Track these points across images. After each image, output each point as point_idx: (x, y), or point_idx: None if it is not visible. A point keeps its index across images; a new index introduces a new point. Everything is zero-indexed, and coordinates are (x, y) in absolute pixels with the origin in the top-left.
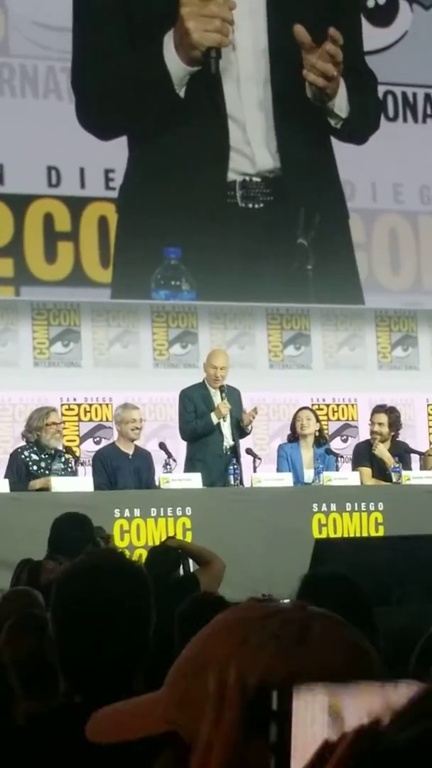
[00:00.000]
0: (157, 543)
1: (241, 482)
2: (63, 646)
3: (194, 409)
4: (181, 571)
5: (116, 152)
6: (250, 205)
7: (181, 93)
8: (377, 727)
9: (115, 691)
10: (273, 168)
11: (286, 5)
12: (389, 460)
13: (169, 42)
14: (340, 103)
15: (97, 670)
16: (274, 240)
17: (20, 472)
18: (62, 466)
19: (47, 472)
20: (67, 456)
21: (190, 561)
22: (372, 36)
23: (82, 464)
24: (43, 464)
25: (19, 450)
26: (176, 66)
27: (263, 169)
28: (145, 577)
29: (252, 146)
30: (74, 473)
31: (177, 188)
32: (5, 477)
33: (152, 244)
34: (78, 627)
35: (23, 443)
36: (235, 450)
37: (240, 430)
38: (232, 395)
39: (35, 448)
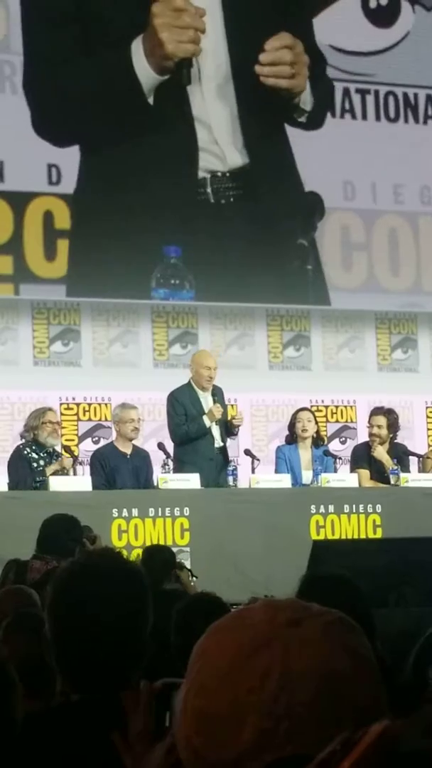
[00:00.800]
0: (155, 543)
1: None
2: (60, 645)
3: (184, 412)
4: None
5: (80, 158)
6: (223, 201)
7: (150, 100)
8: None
9: (112, 690)
10: (243, 164)
11: (240, 6)
12: (388, 462)
13: (138, 49)
14: (305, 97)
15: (94, 670)
16: (264, 238)
17: (24, 468)
18: (59, 467)
19: (47, 469)
20: (65, 455)
21: (188, 565)
22: (373, 37)
23: (80, 464)
24: (42, 462)
25: (21, 446)
26: (146, 74)
27: (234, 167)
28: (143, 577)
29: (220, 146)
30: (67, 473)
31: (159, 190)
32: (8, 474)
33: (149, 244)
34: (75, 626)
35: (22, 442)
36: (224, 451)
37: (228, 430)
38: (218, 395)
39: (34, 447)
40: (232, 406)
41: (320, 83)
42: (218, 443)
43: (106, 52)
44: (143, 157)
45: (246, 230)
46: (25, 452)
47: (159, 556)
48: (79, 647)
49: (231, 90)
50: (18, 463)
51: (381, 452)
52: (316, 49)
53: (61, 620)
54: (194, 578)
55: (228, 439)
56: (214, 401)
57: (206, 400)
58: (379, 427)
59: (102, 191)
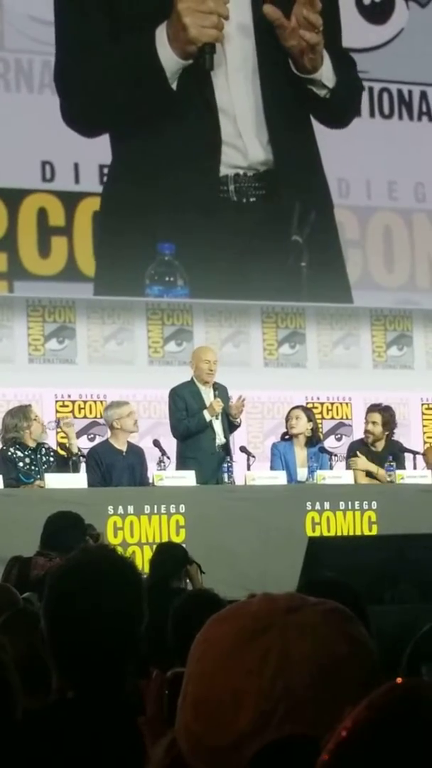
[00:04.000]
0: (151, 540)
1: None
2: (55, 642)
3: (185, 407)
4: (188, 582)
5: (111, 147)
6: (243, 200)
7: (174, 86)
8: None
9: (107, 687)
10: (265, 160)
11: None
12: (373, 467)
13: (161, 36)
14: (327, 72)
15: (89, 666)
16: (269, 236)
17: (10, 469)
18: (46, 459)
19: (33, 467)
20: (60, 453)
21: (199, 569)
22: (368, 33)
23: (75, 460)
24: (27, 460)
25: (4, 448)
26: (170, 60)
27: (255, 161)
28: (137, 574)
29: (243, 139)
30: (57, 466)
31: (168, 183)
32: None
33: (146, 241)
34: (70, 623)
35: (2, 444)
36: (226, 447)
37: (231, 425)
38: (222, 392)
39: (18, 446)
40: (240, 399)
41: (350, 81)
42: (220, 439)
43: (131, 39)
44: (155, 147)
45: (251, 228)
46: (9, 453)
47: (170, 554)
48: (74, 644)
49: (257, 80)
50: (4, 465)
51: (364, 464)
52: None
53: (56, 616)
54: (203, 574)
55: (230, 435)
56: (215, 396)
57: (208, 395)
58: (373, 423)
59: (131, 182)
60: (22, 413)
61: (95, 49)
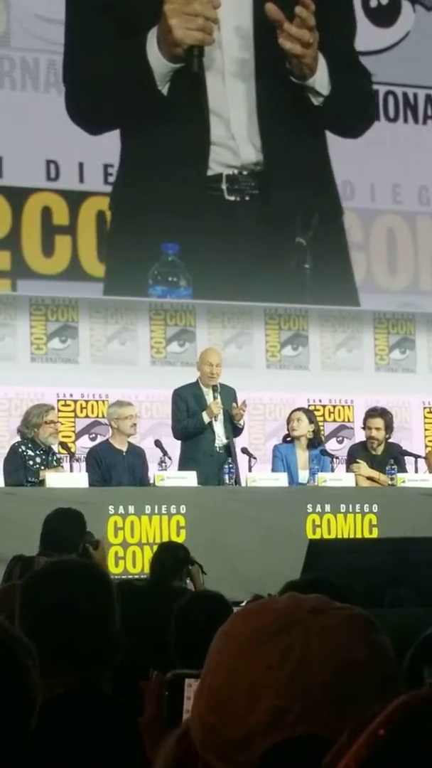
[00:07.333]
0: (152, 540)
1: (237, 481)
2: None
3: (186, 408)
4: (189, 582)
5: (115, 147)
6: (237, 198)
7: (164, 90)
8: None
9: (90, 682)
10: (257, 161)
11: (278, 7)
12: (374, 474)
13: (152, 38)
14: (321, 80)
15: (65, 664)
16: (272, 238)
17: (19, 466)
18: (55, 464)
19: (42, 467)
20: (61, 452)
21: (200, 570)
22: (373, 36)
23: (77, 460)
24: (38, 459)
25: (17, 444)
26: (158, 62)
27: (247, 162)
28: (106, 578)
29: (236, 141)
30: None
31: (163, 184)
32: (3, 470)
33: (150, 241)
34: (42, 623)
35: (19, 438)
36: (228, 449)
37: (234, 428)
38: (228, 394)
39: (30, 444)
40: (242, 402)
41: (359, 90)
42: (221, 441)
43: (129, 41)
44: (153, 149)
45: (254, 230)
46: (21, 450)
47: (171, 553)
48: (47, 642)
49: (252, 84)
50: (13, 461)
51: (366, 471)
52: (357, 60)
53: (29, 618)
54: (204, 574)
55: (234, 437)
56: (214, 398)
57: (210, 398)
58: (377, 429)
59: (136, 182)
60: (39, 413)
61: (100, 49)
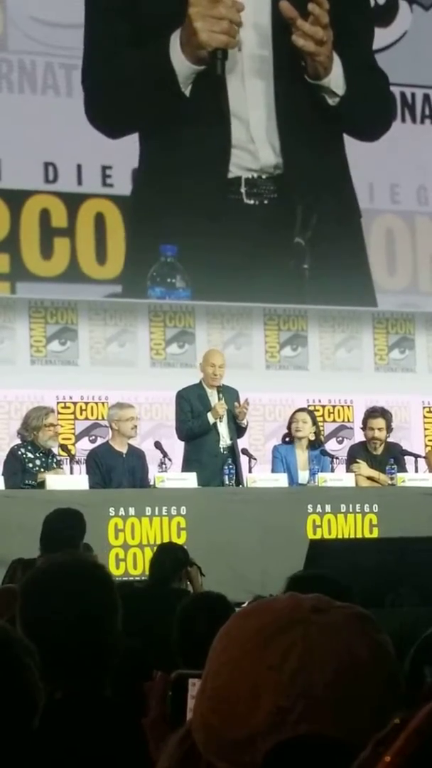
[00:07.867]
0: (152, 542)
1: (239, 482)
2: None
3: (190, 409)
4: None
5: (114, 149)
6: (255, 201)
7: (187, 92)
8: None
9: (91, 685)
10: (276, 164)
11: (292, 4)
12: (375, 474)
13: (175, 41)
14: (336, 80)
15: (65, 667)
16: (274, 239)
17: (18, 469)
18: (55, 466)
19: (42, 469)
20: (61, 454)
21: (199, 572)
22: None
23: (77, 462)
24: (38, 462)
25: (16, 447)
26: (182, 65)
27: (266, 165)
28: (107, 577)
29: (256, 143)
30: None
31: (174, 186)
32: (2, 473)
33: (149, 243)
34: (42, 626)
35: (19, 441)
36: (232, 449)
37: (239, 428)
38: (230, 395)
39: (30, 447)
40: (245, 401)
41: (377, 93)
42: (225, 441)
43: (151, 44)
44: (175, 152)
45: (267, 232)
46: (20, 452)
47: (170, 554)
48: (47, 646)
49: (271, 83)
50: (13, 464)
51: (367, 471)
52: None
53: (29, 621)
54: (203, 576)
55: (238, 438)
56: (218, 399)
57: (214, 398)
58: (379, 430)
59: (154, 179)
60: (39, 416)
61: (119, 52)
